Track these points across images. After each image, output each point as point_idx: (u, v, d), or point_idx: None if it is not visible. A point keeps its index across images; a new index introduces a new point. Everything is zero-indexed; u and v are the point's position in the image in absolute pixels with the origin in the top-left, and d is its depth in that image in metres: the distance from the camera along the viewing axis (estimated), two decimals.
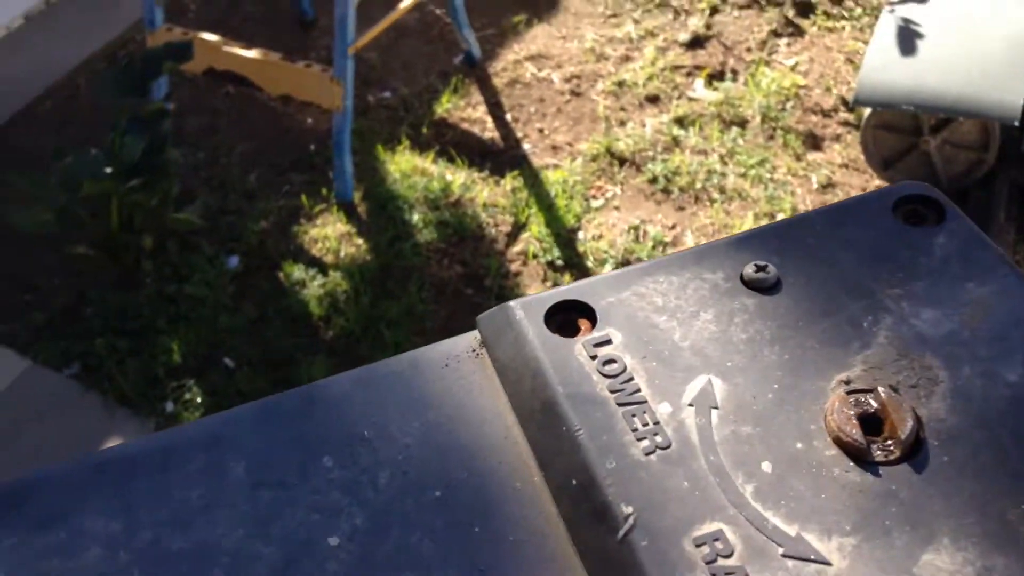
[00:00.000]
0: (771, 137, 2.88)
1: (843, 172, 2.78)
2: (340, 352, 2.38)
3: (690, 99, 3.01)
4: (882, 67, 2.42)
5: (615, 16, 3.28)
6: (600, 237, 2.65)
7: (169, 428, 0.39)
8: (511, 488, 0.38)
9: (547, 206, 2.70)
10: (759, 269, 0.44)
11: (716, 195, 2.74)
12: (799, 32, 3.20)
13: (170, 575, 0.35)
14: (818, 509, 0.36)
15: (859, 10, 3.26)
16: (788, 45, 3.16)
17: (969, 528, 0.35)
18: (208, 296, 2.47)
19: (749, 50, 3.14)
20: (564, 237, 2.64)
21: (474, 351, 0.44)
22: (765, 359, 0.41)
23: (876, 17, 3.10)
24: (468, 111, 2.97)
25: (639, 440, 0.39)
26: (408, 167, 2.77)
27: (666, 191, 2.76)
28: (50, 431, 2.21)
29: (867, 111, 2.57)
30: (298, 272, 2.52)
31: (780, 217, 2.68)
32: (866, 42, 2.99)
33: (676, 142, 2.88)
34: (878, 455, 0.38)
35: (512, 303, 0.43)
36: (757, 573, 0.34)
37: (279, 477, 0.37)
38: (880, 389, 0.39)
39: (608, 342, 0.42)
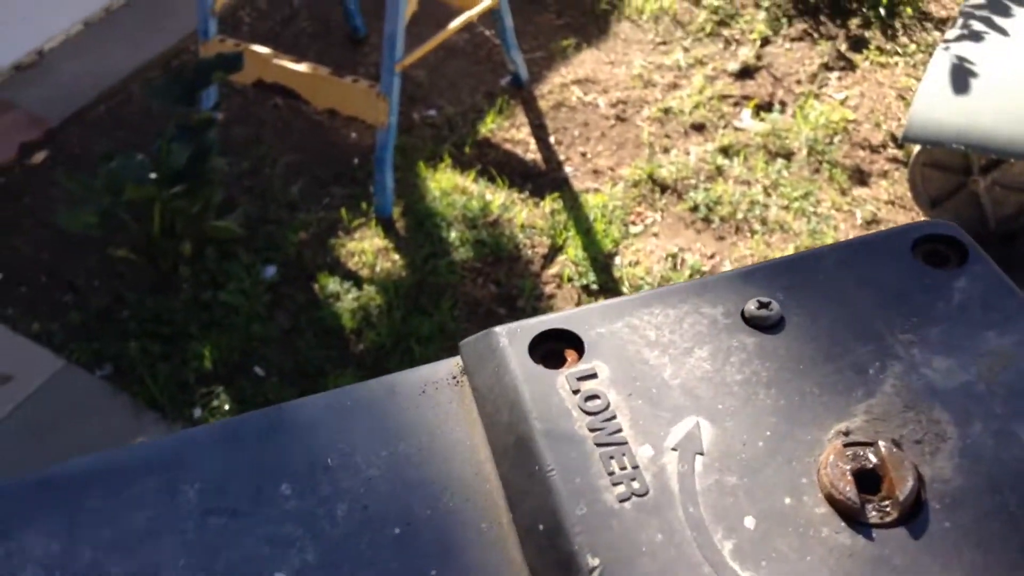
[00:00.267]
0: (817, 170, 2.83)
1: (889, 209, 2.72)
2: (369, 366, 2.37)
3: (736, 129, 2.97)
4: (933, 104, 2.37)
5: (665, 44, 3.26)
6: (637, 263, 2.61)
7: (126, 445, 0.37)
8: (476, 530, 0.35)
9: (585, 230, 2.68)
10: (762, 306, 0.41)
11: (757, 226, 2.70)
12: (851, 66, 3.15)
13: None
14: (801, 573, 0.33)
15: (913, 46, 3.20)
16: (839, 79, 3.11)
17: None
18: (243, 304, 2.47)
19: (799, 82, 3.09)
20: (600, 262, 2.61)
21: (455, 378, 0.41)
22: (760, 403, 0.38)
23: (930, 54, 3.05)
24: (512, 132, 2.96)
25: (615, 485, 0.36)
26: (449, 185, 2.76)
27: (707, 220, 2.72)
28: (78, 431, 2.22)
29: (916, 148, 2.52)
30: (333, 284, 2.52)
31: None
32: (919, 79, 2.94)
33: (720, 171, 2.84)
34: (873, 516, 0.35)
35: (497, 329, 0.41)
36: None
37: (232, 504, 0.35)
38: (881, 443, 0.36)
39: (593, 376, 0.39)
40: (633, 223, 2.74)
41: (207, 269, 2.54)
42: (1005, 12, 2.60)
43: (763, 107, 3.03)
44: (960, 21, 2.60)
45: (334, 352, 2.40)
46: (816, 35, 3.25)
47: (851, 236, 2.68)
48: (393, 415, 0.39)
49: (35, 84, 3.01)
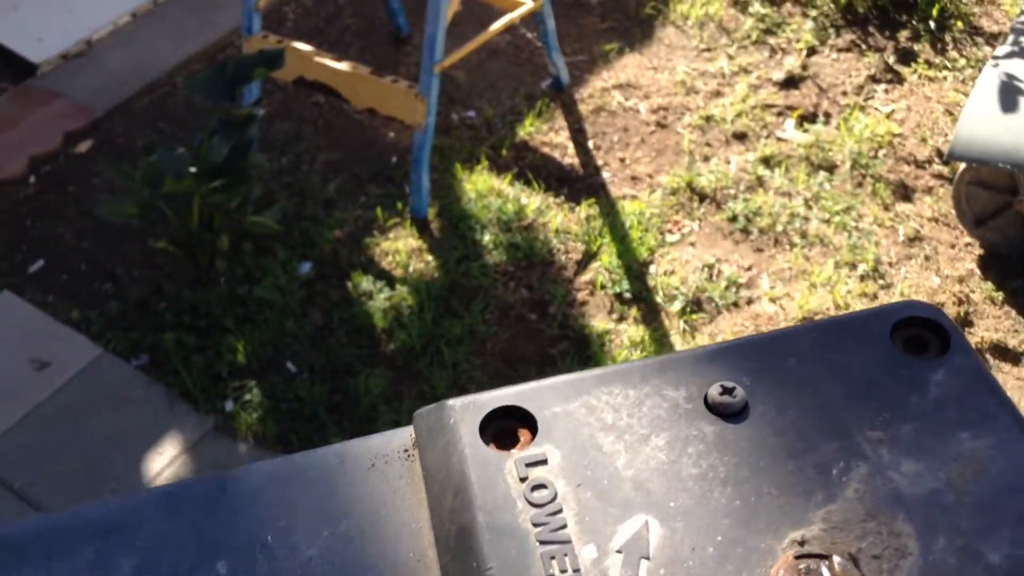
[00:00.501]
0: (860, 184, 2.78)
1: (932, 226, 2.66)
2: (399, 366, 2.38)
3: (779, 139, 2.92)
4: (980, 122, 2.31)
5: (709, 50, 3.21)
6: (672, 273, 2.59)
7: (70, 508, 0.37)
8: None
9: (620, 237, 2.65)
10: (725, 391, 0.39)
11: (797, 239, 2.66)
12: (898, 79, 3.08)
13: None
14: None
15: (962, 61, 3.13)
16: (886, 92, 3.05)
17: None
18: (277, 300, 2.49)
19: (845, 94, 3.04)
20: (635, 270, 2.59)
21: (406, 451, 0.40)
22: (714, 502, 0.36)
23: (979, 69, 2.97)
24: (550, 135, 2.94)
25: None
26: (484, 187, 2.75)
27: (745, 231, 2.68)
28: (112, 419, 2.26)
29: (961, 166, 2.46)
30: (366, 283, 2.53)
31: (861, 268, 2.58)
32: (967, 94, 2.86)
33: (760, 182, 2.80)
34: None
35: (451, 402, 0.40)
36: None
37: None
38: (836, 558, 0.34)
39: (543, 462, 0.38)
40: (670, 231, 2.71)
41: (244, 264, 2.56)
42: None
43: (807, 118, 2.98)
44: (1011, 37, 2.53)
45: (365, 351, 2.41)
46: (864, 46, 3.19)
47: (893, 253, 2.62)
48: (339, 490, 0.38)
49: (82, 74, 3.05)
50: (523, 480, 0.37)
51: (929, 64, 3.12)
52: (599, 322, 2.47)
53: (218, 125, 2.46)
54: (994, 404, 0.38)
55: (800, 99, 3.03)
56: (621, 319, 2.49)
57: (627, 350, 2.41)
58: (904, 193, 2.76)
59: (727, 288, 2.55)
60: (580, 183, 2.82)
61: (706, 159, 2.87)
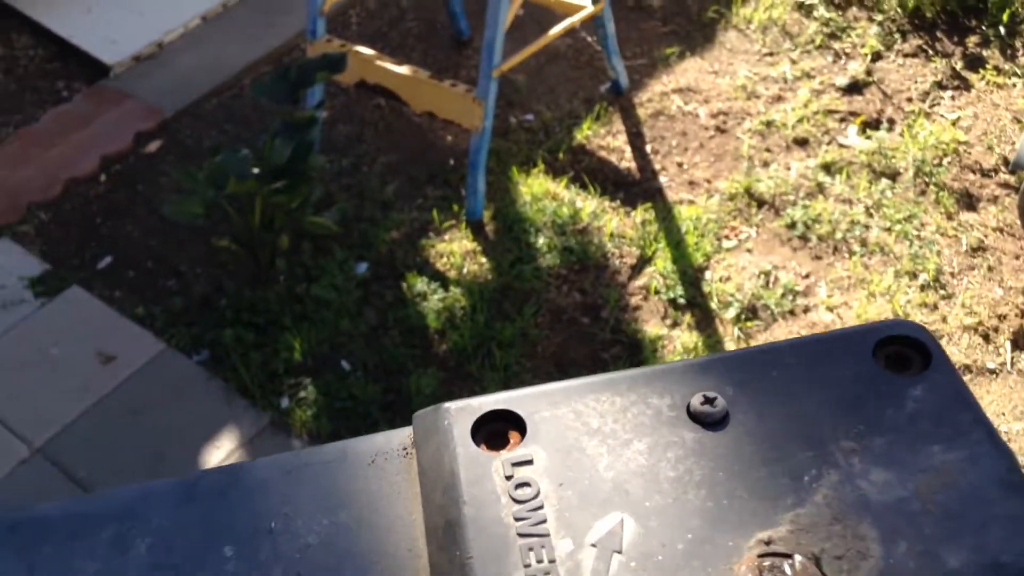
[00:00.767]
0: (923, 192, 2.74)
1: (996, 236, 2.61)
2: (451, 367, 2.41)
3: (840, 145, 2.89)
4: None
5: (772, 55, 3.19)
6: (728, 279, 2.58)
7: (93, 492, 0.40)
8: None
9: (676, 242, 2.65)
10: (707, 401, 0.41)
11: (856, 247, 2.63)
12: (966, 86, 3.02)
13: None
14: None
15: None
16: (952, 98, 2.99)
17: None
18: (334, 299, 2.54)
19: (910, 100, 2.99)
20: (690, 276, 2.58)
21: (405, 450, 0.43)
22: (687, 503, 0.38)
23: None
24: (608, 139, 2.95)
25: None
26: (540, 190, 2.78)
27: (803, 238, 2.66)
28: (173, 414, 2.33)
29: None
30: (421, 284, 2.57)
31: (922, 278, 2.54)
32: None
33: (820, 188, 2.77)
34: None
35: (447, 405, 0.42)
36: None
37: (177, 561, 0.38)
38: (798, 558, 0.36)
39: (529, 462, 0.40)
40: (727, 237, 2.70)
41: (302, 263, 2.62)
42: None
43: (870, 124, 2.94)
44: None
45: (418, 351, 2.45)
46: (931, 52, 3.14)
47: (955, 263, 2.58)
48: (340, 483, 0.41)
49: (152, 75, 3.15)
50: (509, 478, 0.40)
51: (998, 70, 3.06)
52: (652, 327, 2.48)
53: (280, 128, 2.52)
54: (969, 420, 0.39)
55: (864, 105, 2.99)
56: (675, 325, 2.49)
57: (680, 356, 2.41)
58: (968, 202, 2.71)
59: (783, 296, 2.53)
60: (636, 187, 2.82)
61: (765, 165, 2.85)
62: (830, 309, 2.50)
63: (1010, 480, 0.37)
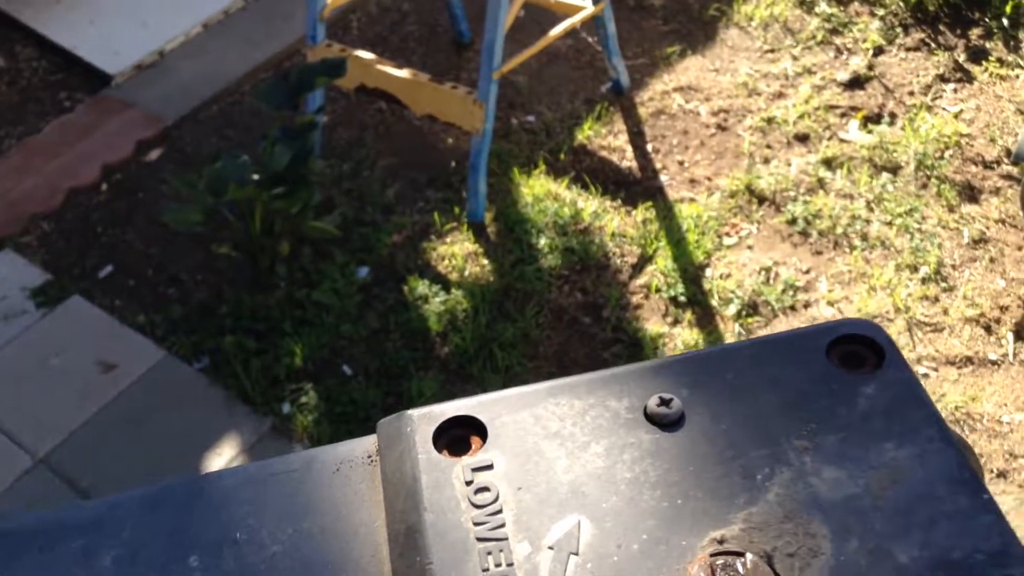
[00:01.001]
0: (924, 186, 2.73)
1: (998, 228, 2.60)
2: (452, 370, 2.42)
3: (842, 140, 2.89)
4: None
5: (773, 52, 3.19)
6: (728, 276, 2.58)
7: (66, 503, 0.41)
8: None
9: (677, 240, 2.65)
10: (663, 402, 0.41)
11: (857, 242, 2.62)
12: (968, 78, 3.02)
13: None
14: None
15: None
16: (955, 91, 2.99)
17: None
18: (335, 304, 2.55)
19: (912, 94, 2.99)
20: (691, 273, 2.59)
21: (370, 457, 0.43)
22: (643, 504, 0.38)
23: None
24: (609, 139, 2.96)
25: None
26: (541, 191, 2.78)
27: (804, 234, 2.66)
28: (174, 421, 2.34)
29: None
30: (422, 287, 2.57)
31: (923, 271, 2.54)
32: None
33: (821, 184, 2.77)
34: None
35: (410, 412, 0.43)
36: None
37: (141, 572, 0.38)
38: (750, 556, 0.36)
39: (489, 467, 0.40)
40: (727, 234, 2.70)
41: (303, 268, 2.63)
42: None
43: (871, 119, 2.94)
44: None
45: (419, 354, 2.46)
46: (933, 45, 3.13)
47: (956, 255, 2.58)
48: (304, 492, 0.41)
49: (154, 84, 3.17)
50: (469, 484, 0.40)
51: (1001, 62, 3.05)
52: (653, 325, 2.48)
53: (280, 133, 2.53)
54: (921, 417, 0.39)
55: (865, 100, 2.99)
56: (676, 323, 2.49)
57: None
58: (970, 194, 2.70)
59: (784, 291, 2.53)
60: (638, 186, 2.82)
61: (766, 161, 2.85)
62: (831, 304, 2.50)
63: (960, 477, 0.37)
